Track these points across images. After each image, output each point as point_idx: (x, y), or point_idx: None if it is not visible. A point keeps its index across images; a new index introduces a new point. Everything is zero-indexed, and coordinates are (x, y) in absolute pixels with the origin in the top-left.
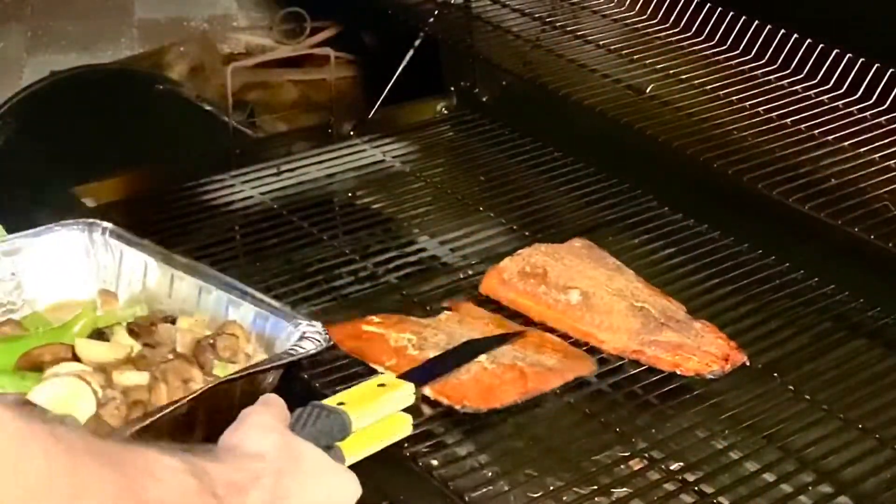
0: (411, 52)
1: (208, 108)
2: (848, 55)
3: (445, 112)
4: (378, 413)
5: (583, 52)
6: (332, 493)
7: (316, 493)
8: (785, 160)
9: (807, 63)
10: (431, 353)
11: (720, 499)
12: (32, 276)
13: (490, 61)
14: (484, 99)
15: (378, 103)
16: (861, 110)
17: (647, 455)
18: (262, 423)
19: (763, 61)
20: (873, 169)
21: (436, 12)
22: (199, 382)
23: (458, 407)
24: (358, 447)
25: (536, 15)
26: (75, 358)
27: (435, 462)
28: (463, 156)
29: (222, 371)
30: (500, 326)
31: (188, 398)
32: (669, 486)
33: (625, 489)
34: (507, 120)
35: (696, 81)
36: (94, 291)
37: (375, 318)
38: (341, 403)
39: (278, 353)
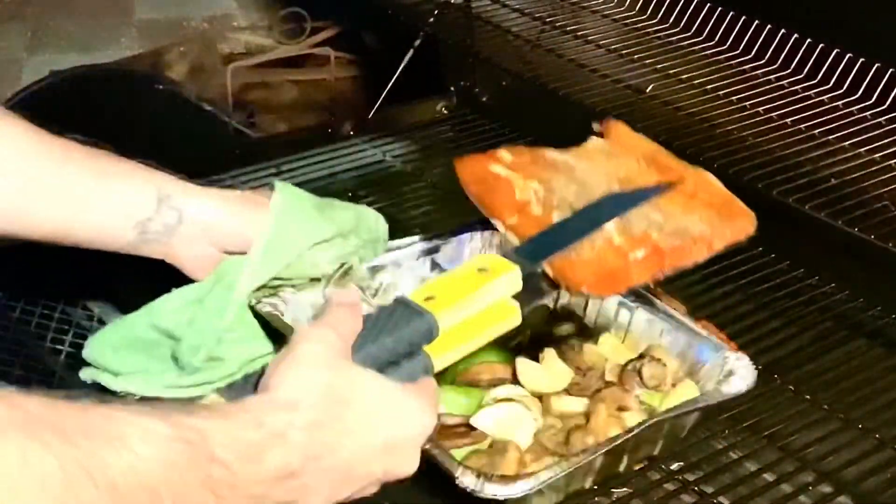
0: (411, 52)
1: (208, 108)
2: (848, 55)
3: (445, 112)
4: (477, 305)
5: (583, 52)
6: (393, 430)
7: (370, 437)
8: (785, 160)
9: (807, 63)
10: (555, 214)
11: (720, 499)
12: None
13: (490, 61)
14: (484, 99)
15: (378, 103)
16: (861, 110)
17: (646, 456)
18: (309, 357)
19: (763, 61)
20: (873, 169)
21: (436, 12)
22: (634, 410)
23: (575, 293)
24: (450, 345)
25: (536, 15)
26: (514, 379)
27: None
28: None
29: (648, 398)
30: (655, 164)
31: (636, 430)
32: (669, 486)
33: (625, 489)
34: (507, 120)
35: (696, 81)
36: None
37: (507, 155)
38: (429, 298)
39: (708, 392)
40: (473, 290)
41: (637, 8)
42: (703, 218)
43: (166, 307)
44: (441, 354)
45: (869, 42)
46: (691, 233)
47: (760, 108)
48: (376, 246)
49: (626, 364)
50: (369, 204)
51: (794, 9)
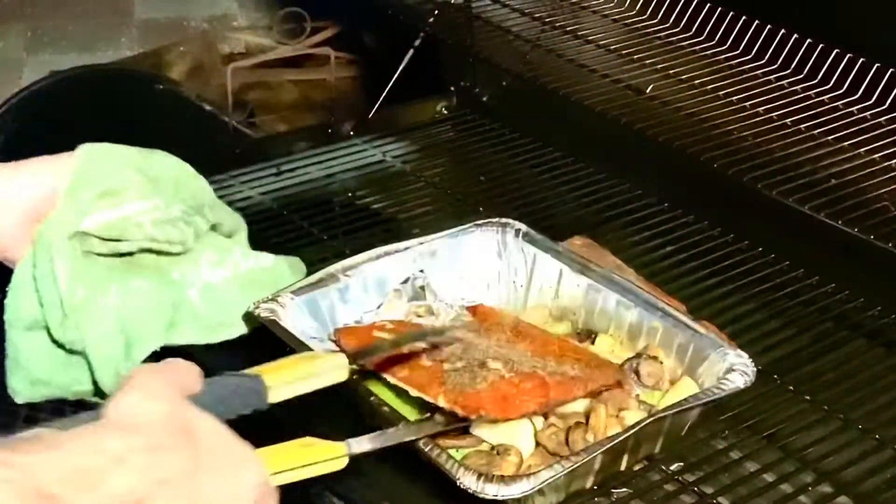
0: (411, 52)
1: (208, 108)
2: (848, 55)
3: (445, 112)
4: (307, 384)
5: (583, 52)
6: (237, 471)
7: (215, 474)
8: (785, 160)
9: (807, 63)
10: (446, 365)
11: (720, 499)
12: (441, 276)
13: (490, 61)
14: (484, 99)
15: (378, 103)
16: (861, 110)
17: (646, 455)
18: (148, 388)
19: (763, 61)
20: (873, 169)
21: (436, 12)
22: (632, 410)
23: (473, 417)
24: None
25: (536, 15)
26: None
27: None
28: (463, 156)
29: (647, 397)
30: (518, 333)
31: (636, 428)
32: (669, 487)
33: (625, 489)
34: (507, 120)
35: (696, 81)
36: (503, 295)
37: (388, 324)
38: (263, 370)
39: (709, 389)
40: (301, 365)
41: (637, 8)
42: (576, 366)
43: (15, 303)
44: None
45: (869, 42)
46: (569, 374)
47: (760, 108)
48: (206, 213)
49: (624, 363)
50: (369, 204)
51: (794, 9)
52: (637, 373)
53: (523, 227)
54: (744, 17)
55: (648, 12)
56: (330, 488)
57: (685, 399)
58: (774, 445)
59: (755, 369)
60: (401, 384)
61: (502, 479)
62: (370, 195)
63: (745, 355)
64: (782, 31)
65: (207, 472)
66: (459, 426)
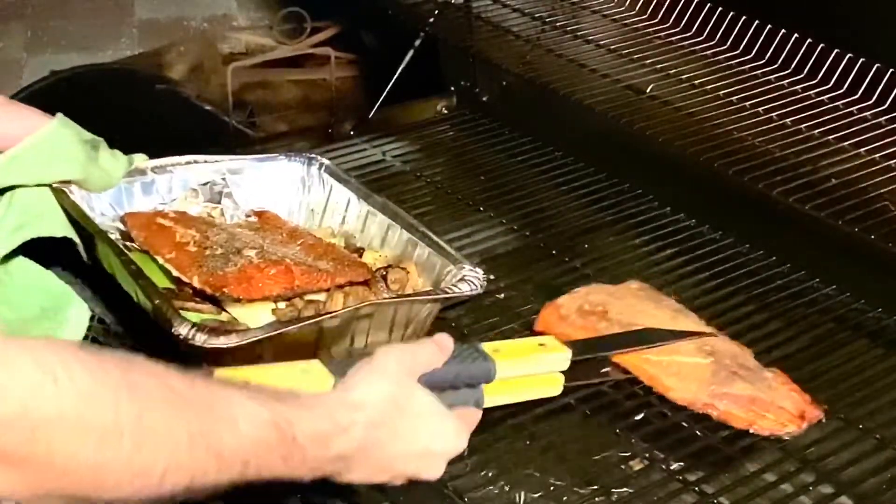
0: (411, 52)
1: (208, 108)
2: (848, 55)
3: (445, 112)
4: (530, 369)
5: (583, 52)
6: (431, 442)
7: (411, 443)
8: (785, 160)
9: (807, 63)
10: (207, 252)
11: (721, 499)
12: (247, 192)
13: (490, 61)
14: (484, 99)
15: (378, 103)
16: (861, 110)
17: (647, 455)
18: (381, 369)
19: (763, 61)
20: (873, 169)
21: (436, 12)
22: None
23: (218, 295)
24: (501, 392)
25: (536, 15)
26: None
27: None
28: (463, 156)
29: None
30: (293, 235)
31: (340, 312)
32: (670, 486)
33: (625, 489)
34: (507, 120)
35: (697, 81)
36: (302, 217)
37: (171, 213)
38: (496, 351)
39: (431, 290)
40: (529, 355)
41: (637, 8)
42: (330, 263)
43: None
44: (492, 396)
45: (869, 42)
46: (318, 266)
47: (760, 108)
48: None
49: (376, 271)
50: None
51: (795, 9)
52: (385, 278)
53: (327, 161)
54: (744, 17)
55: (648, 12)
56: (330, 489)
57: (406, 294)
58: (775, 446)
59: (484, 283)
60: (167, 265)
61: (213, 330)
62: (370, 195)
63: (480, 271)
64: (782, 31)
65: (404, 443)
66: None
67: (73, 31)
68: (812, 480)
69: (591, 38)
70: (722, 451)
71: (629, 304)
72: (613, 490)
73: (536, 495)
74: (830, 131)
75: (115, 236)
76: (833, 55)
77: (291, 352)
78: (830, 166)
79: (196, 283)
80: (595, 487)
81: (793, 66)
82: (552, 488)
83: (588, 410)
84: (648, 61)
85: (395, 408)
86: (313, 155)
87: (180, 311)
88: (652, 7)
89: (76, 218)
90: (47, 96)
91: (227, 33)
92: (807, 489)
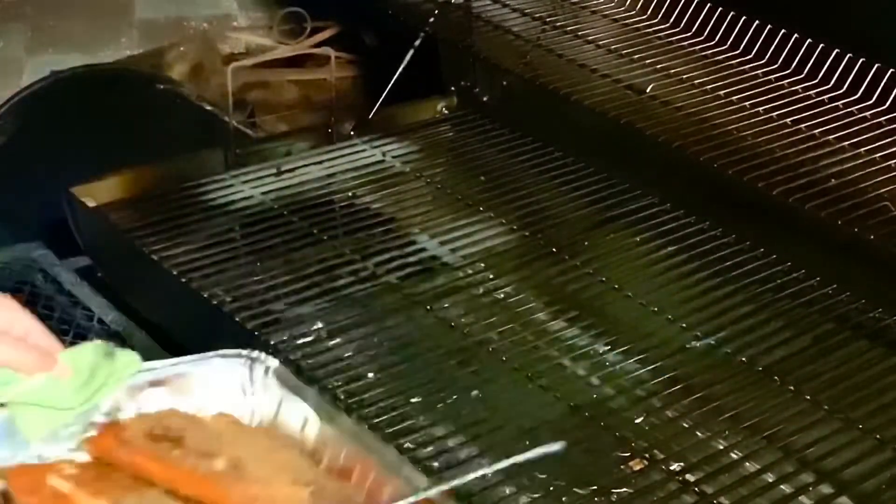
0: (411, 52)
1: (208, 108)
2: (848, 55)
3: (445, 112)
4: None
5: (583, 52)
6: None
7: None
8: (785, 160)
9: (807, 63)
10: None
11: (721, 499)
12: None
13: (490, 61)
14: (484, 99)
15: (378, 103)
16: (861, 110)
17: (647, 455)
18: None
19: (763, 61)
20: (873, 169)
21: (436, 12)
22: None
23: None
24: None
25: (536, 15)
26: None
27: (436, 465)
28: (463, 156)
29: None
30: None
31: None
32: (670, 486)
33: (625, 489)
34: (507, 120)
35: (696, 81)
36: None
37: (69, 469)
38: None
39: None
40: None
41: (637, 8)
42: None
43: None
44: None
45: (869, 42)
46: None
47: (760, 108)
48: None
49: None
50: (369, 204)
51: (795, 9)
52: None
53: (275, 363)
54: (744, 17)
55: (648, 12)
56: None
57: None
58: (774, 445)
59: None
60: None
61: None
62: (370, 195)
63: None
64: (782, 31)
65: None
66: None
67: (73, 31)
68: (812, 480)
69: (591, 38)
70: (722, 451)
71: (214, 434)
72: (613, 490)
73: (536, 495)
74: (830, 131)
75: None
76: (833, 55)
77: None
78: (830, 166)
79: None
80: (595, 488)
81: (793, 66)
82: (552, 488)
83: (588, 413)
84: (648, 61)
85: None
86: (256, 355)
87: None
88: (652, 7)
89: None
90: (47, 96)
91: (227, 33)
92: (807, 489)
